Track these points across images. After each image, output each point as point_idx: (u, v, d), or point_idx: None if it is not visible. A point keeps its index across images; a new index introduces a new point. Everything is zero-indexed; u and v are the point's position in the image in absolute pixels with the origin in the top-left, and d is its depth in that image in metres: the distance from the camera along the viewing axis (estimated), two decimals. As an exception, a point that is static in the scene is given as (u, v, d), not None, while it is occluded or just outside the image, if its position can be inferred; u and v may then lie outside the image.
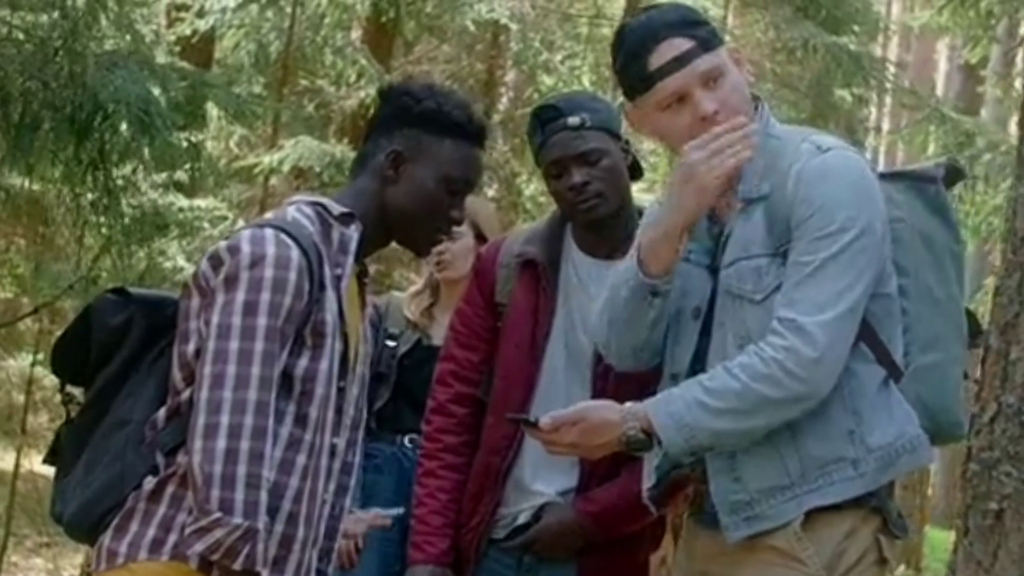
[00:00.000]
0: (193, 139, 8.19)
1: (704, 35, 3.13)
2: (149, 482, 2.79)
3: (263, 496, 2.71)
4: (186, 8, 10.50)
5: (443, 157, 2.96)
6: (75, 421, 2.93)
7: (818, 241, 3.02)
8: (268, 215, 2.95)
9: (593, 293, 3.55)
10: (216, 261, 2.78)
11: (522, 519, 3.65)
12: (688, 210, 3.09)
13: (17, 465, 9.46)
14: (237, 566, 2.69)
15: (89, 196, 5.86)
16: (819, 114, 13.07)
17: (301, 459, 2.82)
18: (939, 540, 14.29)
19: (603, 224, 3.61)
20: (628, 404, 3.12)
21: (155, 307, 2.91)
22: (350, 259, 2.91)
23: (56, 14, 5.59)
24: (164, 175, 8.01)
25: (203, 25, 10.24)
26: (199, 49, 10.60)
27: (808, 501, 3.07)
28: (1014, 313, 3.76)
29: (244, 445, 2.68)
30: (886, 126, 19.15)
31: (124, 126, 5.40)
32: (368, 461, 4.89)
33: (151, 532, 2.78)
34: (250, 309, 2.72)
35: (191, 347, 2.79)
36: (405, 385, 4.70)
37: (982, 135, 9.14)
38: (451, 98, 2.99)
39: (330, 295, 2.83)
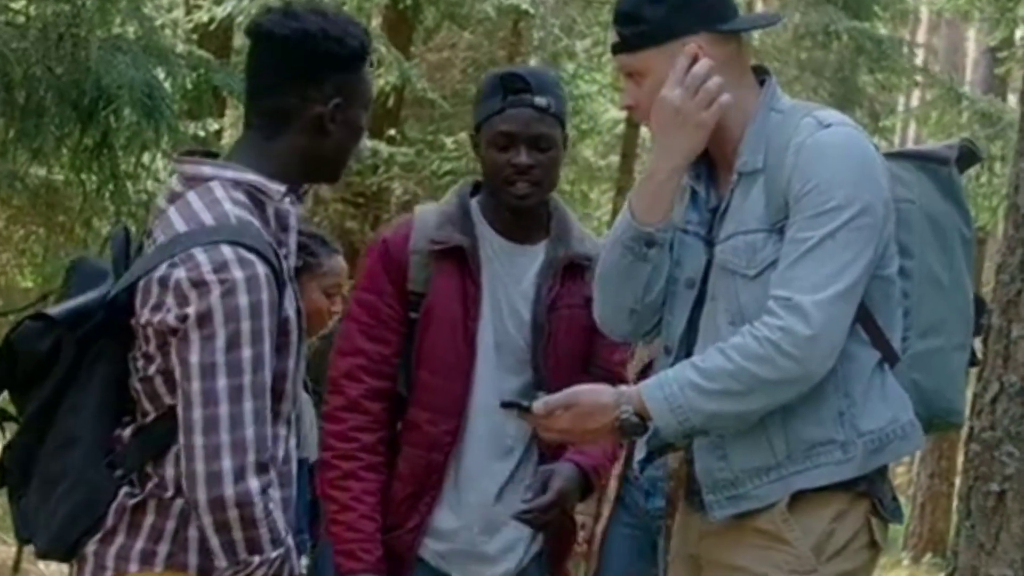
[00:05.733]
0: (208, 128, 8.21)
1: (629, 34, 3.11)
2: (128, 495, 2.69)
3: (279, 515, 2.65)
4: (204, -4, 10.48)
5: (365, 91, 2.83)
6: (16, 441, 2.80)
7: (815, 218, 2.96)
8: (198, 206, 2.69)
9: (514, 275, 3.51)
10: (180, 297, 2.59)
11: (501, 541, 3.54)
12: (682, 151, 3.08)
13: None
14: None
15: (95, 181, 5.84)
16: (844, 99, 12.98)
17: (280, 452, 2.75)
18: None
19: (528, 210, 3.53)
20: (621, 387, 3.08)
21: (79, 320, 2.72)
22: (292, 236, 2.78)
23: (65, 5, 5.57)
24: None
25: (220, 12, 10.19)
26: (217, 37, 10.57)
27: (794, 483, 3.02)
28: (1016, 291, 3.70)
29: (254, 485, 2.59)
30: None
31: (128, 111, 5.37)
32: None
33: (140, 544, 2.69)
34: (232, 343, 2.57)
35: (153, 369, 2.65)
36: None
37: (1000, 114, 9.06)
38: (351, 27, 2.81)
39: (288, 290, 2.71)
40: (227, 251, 2.58)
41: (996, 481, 3.68)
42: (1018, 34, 11.67)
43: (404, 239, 3.52)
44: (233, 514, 2.58)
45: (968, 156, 3.28)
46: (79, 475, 2.68)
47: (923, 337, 3.14)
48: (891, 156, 3.18)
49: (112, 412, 2.72)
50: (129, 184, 5.97)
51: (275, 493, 2.64)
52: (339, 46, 2.75)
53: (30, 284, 10.02)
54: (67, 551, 2.73)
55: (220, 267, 2.57)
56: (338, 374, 3.50)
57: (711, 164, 3.20)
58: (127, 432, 2.71)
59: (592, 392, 3.14)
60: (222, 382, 2.57)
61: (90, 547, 2.70)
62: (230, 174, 2.71)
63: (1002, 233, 3.57)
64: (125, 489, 2.68)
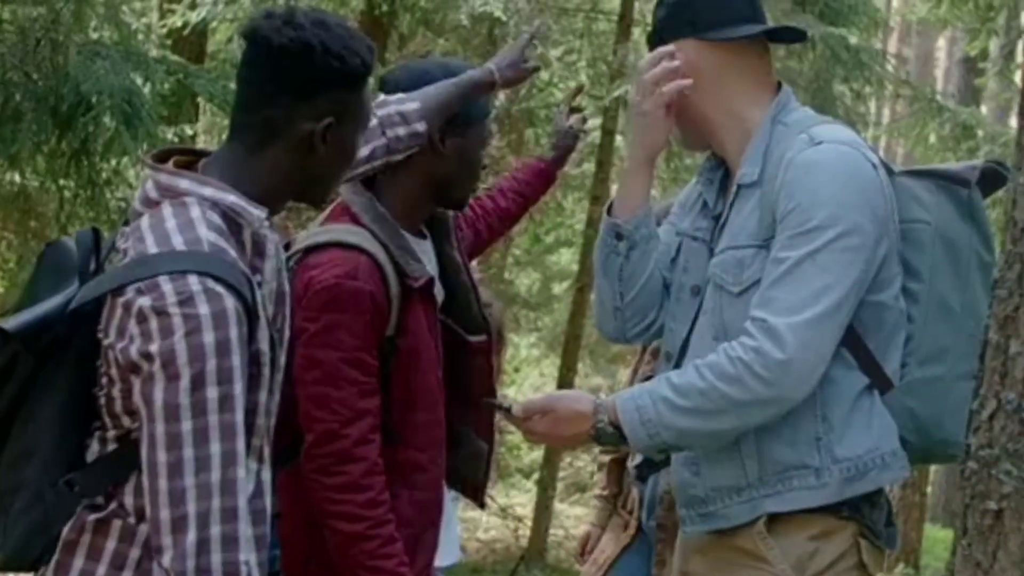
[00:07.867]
0: (184, 133, 8.15)
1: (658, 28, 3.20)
2: (88, 515, 2.56)
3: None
4: (178, 0, 10.37)
5: (362, 111, 2.66)
6: None
7: (795, 238, 2.93)
8: (171, 225, 2.51)
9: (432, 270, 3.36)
10: (143, 327, 2.43)
11: None
12: (639, 143, 3.17)
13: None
14: None
15: (73, 188, 5.76)
16: (819, 109, 12.95)
17: (251, 487, 2.60)
18: (938, 538, 14.23)
19: None
20: (601, 396, 3.09)
21: (38, 333, 2.56)
22: (269, 263, 2.61)
23: (42, 9, 5.49)
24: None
25: (194, 17, 10.10)
26: (191, 42, 10.46)
27: (764, 505, 3.01)
28: (1014, 306, 3.64)
29: (215, 531, 2.44)
30: (886, 121, 19.10)
31: (107, 118, 5.29)
32: None
33: (102, 569, 2.55)
34: (197, 383, 2.41)
35: (116, 391, 2.51)
36: None
37: (980, 127, 9.05)
38: (354, 42, 2.62)
39: (262, 321, 2.55)
40: (194, 282, 2.42)
41: (993, 499, 3.63)
42: (993, 45, 11.72)
43: (382, 287, 3.22)
44: (191, 564, 2.42)
45: (993, 178, 3.21)
46: (35, 493, 2.56)
47: (923, 364, 3.09)
48: (910, 174, 3.14)
49: (73, 423, 2.58)
50: (107, 191, 5.89)
51: (247, 530, 2.49)
52: (339, 62, 2.58)
53: (1, 290, 9.93)
54: (31, 563, 2.60)
55: (185, 300, 2.41)
56: (350, 444, 3.18)
57: (727, 174, 3.18)
58: (94, 441, 2.58)
59: (570, 399, 3.13)
60: (187, 425, 2.42)
61: (48, 571, 2.56)
62: (208, 192, 2.54)
63: (999, 247, 3.52)
64: (86, 501, 2.55)
